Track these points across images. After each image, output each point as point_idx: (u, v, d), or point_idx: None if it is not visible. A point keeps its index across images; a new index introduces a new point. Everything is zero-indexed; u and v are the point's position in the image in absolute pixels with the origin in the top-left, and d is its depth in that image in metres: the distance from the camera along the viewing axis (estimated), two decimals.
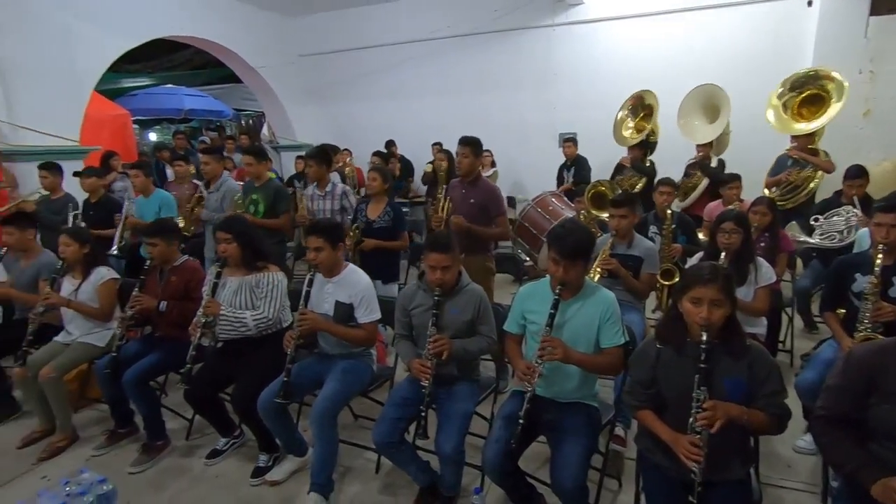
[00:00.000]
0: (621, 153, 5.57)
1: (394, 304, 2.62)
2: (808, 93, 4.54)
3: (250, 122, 11.33)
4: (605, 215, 3.38)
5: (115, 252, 3.86)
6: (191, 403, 2.61)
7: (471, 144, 3.17)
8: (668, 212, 3.48)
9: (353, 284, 2.43)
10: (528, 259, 4.24)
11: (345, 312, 2.41)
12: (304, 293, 2.37)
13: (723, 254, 2.61)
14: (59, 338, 2.94)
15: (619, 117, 5.66)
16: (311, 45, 7.93)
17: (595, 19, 6.44)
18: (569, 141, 6.06)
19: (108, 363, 2.65)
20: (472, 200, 3.17)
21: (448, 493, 2.21)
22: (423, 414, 2.12)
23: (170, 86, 9.47)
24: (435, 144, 6.82)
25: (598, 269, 2.85)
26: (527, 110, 6.91)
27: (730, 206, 3.60)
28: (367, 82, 7.77)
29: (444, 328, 2.21)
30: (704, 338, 1.55)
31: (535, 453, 2.34)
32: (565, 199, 5.29)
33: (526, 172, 7.00)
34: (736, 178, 3.90)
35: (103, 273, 2.92)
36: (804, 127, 4.44)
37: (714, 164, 4.83)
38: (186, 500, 2.41)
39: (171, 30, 6.22)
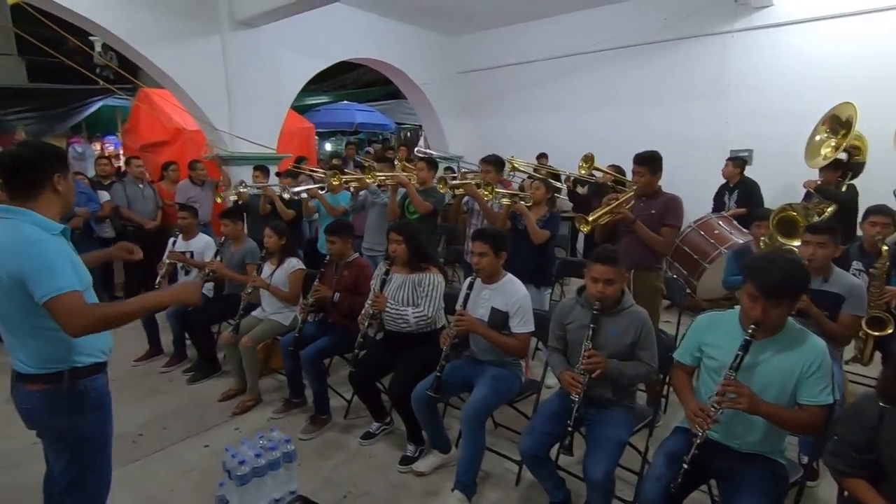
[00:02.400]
0: (804, 175, 4.77)
1: (546, 317, 2.62)
2: None
3: (408, 134, 12.28)
4: (795, 244, 2.95)
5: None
6: (353, 385, 2.89)
7: (646, 163, 3.03)
8: (884, 247, 2.89)
9: (511, 293, 2.48)
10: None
11: (499, 319, 2.47)
12: (463, 295, 2.49)
13: None
14: (256, 313, 3.49)
15: (816, 140, 4.82)
16: (470, 62, 8.31)
17: (783, 23, 5.71)
18: (731, 161, 5.41)
19: (291, 341, 3.07)
20: (652, 211, 3.02)
21: None
22: (569, 429, 2.07)
23: (345, 102, 10.73)
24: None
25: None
26: (693, 124, 6.37)
27: None
28: (522, 96, 7.88)
29: (601, 347, 2.13)
30: None
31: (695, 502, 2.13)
32: (736, 223, 4.76)
33: (687, 192, 6.38)
34: None
35: (294, 263, 3.41)
36: None
37: None
38: (344, 473, 2.67)
39: (354, 53, 7.02)
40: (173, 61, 5.01)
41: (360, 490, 2.52)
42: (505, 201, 3.60)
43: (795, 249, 2.97)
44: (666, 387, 2.58)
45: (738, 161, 5.41)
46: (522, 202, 3.50)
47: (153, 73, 5.15)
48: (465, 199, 3.96)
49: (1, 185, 1.65)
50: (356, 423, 3.13)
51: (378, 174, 4.24)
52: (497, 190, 3.69)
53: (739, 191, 5.30)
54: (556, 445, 2.15)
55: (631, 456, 2.28)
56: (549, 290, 3.80)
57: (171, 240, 4.10)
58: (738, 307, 1.89)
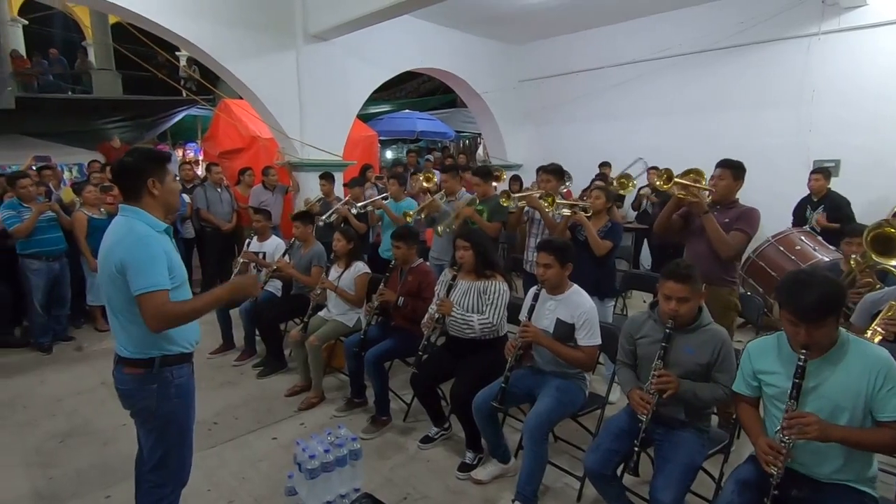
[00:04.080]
0: None
1: (611, 331, 2.56)
2: None
3: (467, 142, 12.39)
4: (893, 263, 2.71)
5: None
6: (414, 388, 2.94)
7: (730, 167, 2.90)
8: None
9: (577, 305, 2.44)
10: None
11: (565, 332, 2.44)
12: (528, 306, 2.47)
13: None
14: (322, 314, 3.64)
15: None
16: (531, 71, 8.28)
17: (877, 24, 5.28)
18: (819, 173, 4.98)
19: (356, 342, 3.17)
20: (726, 220, 2.87)
21: None
22: (636, 449, 2.00)
23: (406, 111, 11.01)
24: (651, 168, 6.44)
25: (880, 330, 2.30)
26: (772, 133, 6.00)
27: None
28: (584, 104, 7.75)
29: (672, 365, 2.05)
30: None
31: None
32: (820, 238, 4.42)
33: (765, 205, 5.99)
34: None
35: (360, 267, 3.53)
36: None
37: None
38: (403, 475, 2.71)
39: (419, 62, 7.20)
40: (252, 73, 5.34)
41: (419, 493, 2.55)
42: (565, 212, 3.55)
43: (894, 269, 2.74)
44: None
45: (827, 173, 5.00)
46: (583, 212, 3.44)
47: (234, 85, 5.51)
48: (526, 208, 3.94)
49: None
50: (415, 426, 3.17)
51: (443, 203, 4.24)
52: (558, 201, 3.65)
53: (825, 205, 4.90)
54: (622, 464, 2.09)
55: (699, 481, 2.17)
56: (613, 303, 3.70)
57: (247, 241, 4.36)
58: None
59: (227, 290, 1.89)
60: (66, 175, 8.26)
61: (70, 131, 8.69)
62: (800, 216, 5.12)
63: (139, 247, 1.68)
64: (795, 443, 1.59)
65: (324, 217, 4.92)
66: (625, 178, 3.93)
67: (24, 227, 4.16)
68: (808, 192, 5.06)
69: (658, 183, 2.99)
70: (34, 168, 5.79)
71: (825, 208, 4.90)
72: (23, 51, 11.01)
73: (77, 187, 4.94)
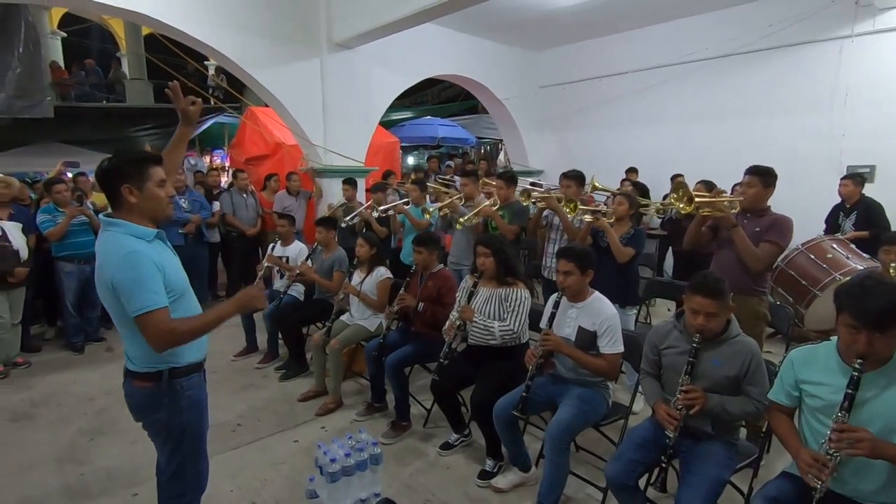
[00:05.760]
0: None
1: (634, 339, 2.51)
2: None
3: (488, 148, 12.39)
4: None
5: None
6: (434, 394, 2.94)
7: (760, 174, 2.83)
8: None
9: (599, 312, 2.41)
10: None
11: (587, 339, 2.40)
12: (549, 314, 2.45)
13: None
14: (344, 318, 3.67)
15: None
16: (552, 77, 8.25)
17: None
18: (849, 178, 4.83)
19: (376, 347, 3.19)
20: (756, 229, 2.81)
21: None
22: (663, 465, 1.96)
23: (428, 117, 11.08)
24: (676, 176, 6.33)
25: None
26: (802, 138, 5.83)
27: None
28: (607, 110, 7.68)
29: (700, 377, 2.00)
30: None
31: None
32: (854, 247, 4.27)
33: (796, 212, 5.81)
34: None
35: (383, 272, 3.55)
36: None
37: None
38: (423, 481, 2.70)
39: (440, 69, 7.25)
40: (277, 81, 5.45)
41: (439, 499, 2.54)
42: (587, 217, 3.52)
43: None
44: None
45: (858, 178, 4.85)
46: (605, 218, 3.40)
47: (260, 93, 5.64)
48: (545, 213, 3.90)
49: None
50: (435, 432, 3.17)
51: (465, 205, 4.26)
52: (580, 207, 3.62)
53: (858, 212, 4.74)
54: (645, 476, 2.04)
55: (726, 495, 2.11)
56: (635, 311, 3.64)
57: (271, 245, 4.43)
58: (834, 338, 1.70)
59: (232, 305, 1.78)
60: None
61: (104, 139, 9.00)
62: (833, 224, 4.96)
63: (126, 267, 1.56)
64: (840, 456, 1.53)
65: (346, 218, 4.99)
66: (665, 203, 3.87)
67: (57, 231, 4.32)
68: (841, 198, 4.91)
69: (680, 206, 2.91)
70: (70, 174, 6.01)
71: (858, 215, 4.74)
72: (61, 62, 11.48)
73: None
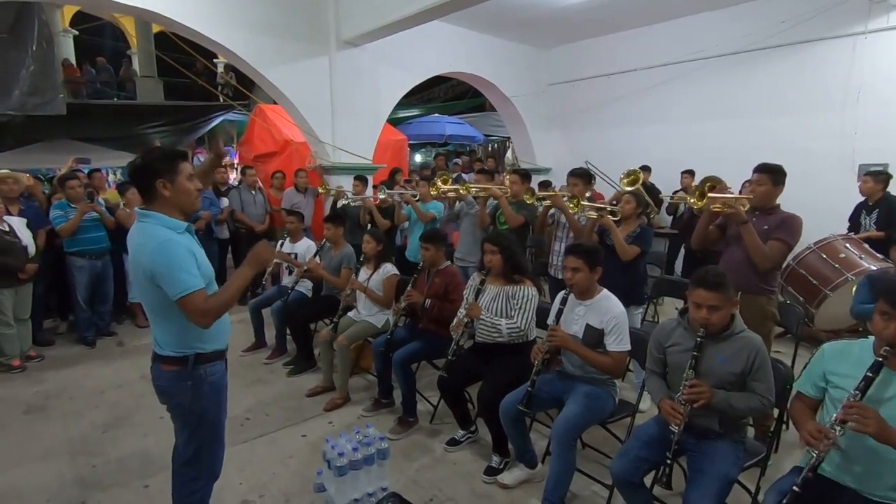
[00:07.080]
0: None
1: (641, 337, 2.51)
2: None
3: (496, 146, 12.37)
4: None
5: None
6: (441, 391, 2.95)
7: (769, 172, 2.81)
8: None
9: (606, 310, 2.41)
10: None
11: (594, 337, 2.40)
12: (556, 311, 2.45)
13: None
14: (351, 314, 3.69)
15: None
16: (561, 74, 8.22)
17: None
18: (871, 175, 4.74)
19: (383, 343, 3.20)
20: (765, 227, 2.79)
21: None
22: (668, 461, 1.95)
23: (435, 115, 11.08)
24: (685, 173, 6.30)
25: None
26: (814, 136, 5.77)
27: None
28: (615, 108, 7.64)
29: (705, 374, 1.99)
30: None
31: None
32: (867, 246, 4.24)
33: (808, 211, 5.77)
34: None
35: (389, 268, 3.57)
36: None
37: None
38: (429, 476, 2.72)
39: (448, 67, 7.24)
40: (287, 79, 5.48)
41: (445, 495, 2.56)
42: (591, 214, 3.50)
43: None
44: (778, 423, 2.34)
45: (880, 176, 4.72)
46: (610, 216, 3.39)
47: (269, 91, 5.67)
48: (552, 211, 3.90)
49: None
50: (441, 428, 3.18)
51: (472, 186, 4.31)
52: (583, 203, 3.60)
53: (880, 210, 4.65)
54: (651, 473, 2.04)
55: (734, 494, 2.10)
56: (641, 310, 3.61)
57: (280, 242, 4.46)
58: (871, 337, 1.71)
59: (247, 267, 1.88)
60: (112, 178, 8.65)
61: (115, 136, 9.08)
62: (855, 222, 4.87)
63: (161, 254, 1.67)
64: (844, 437, 1.55)
65: (347, 201, 5.13)
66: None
67: (69, 227, 4.38)
68: (863, 196, 4.82)
69: (692, 201, 2.92)
70: (84, 171, 6.08)
71: (879, 213, 4.66)
72: (73, 60, 11.60)
73: (121, 189, 5.17)
